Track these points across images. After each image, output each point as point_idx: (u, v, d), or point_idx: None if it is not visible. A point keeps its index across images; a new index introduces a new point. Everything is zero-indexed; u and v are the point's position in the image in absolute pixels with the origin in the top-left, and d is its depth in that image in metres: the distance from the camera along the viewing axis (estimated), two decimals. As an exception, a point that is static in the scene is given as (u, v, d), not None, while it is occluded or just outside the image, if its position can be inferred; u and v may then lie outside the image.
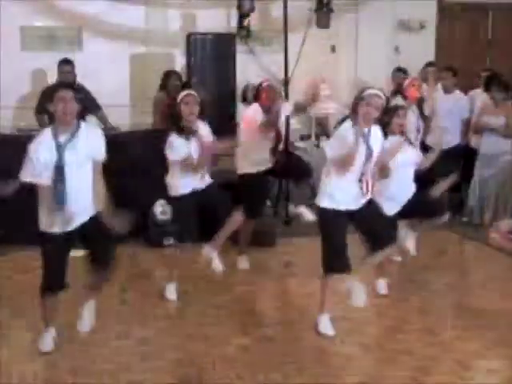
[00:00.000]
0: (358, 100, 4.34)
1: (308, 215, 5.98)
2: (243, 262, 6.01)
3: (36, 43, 8.30)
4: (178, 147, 5.02)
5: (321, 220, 4.55)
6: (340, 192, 4.41)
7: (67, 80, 7.22)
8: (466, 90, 7.96)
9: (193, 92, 5.19)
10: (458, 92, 7.83)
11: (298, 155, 6.73)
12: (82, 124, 4.19)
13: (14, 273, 5.42)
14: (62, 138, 4.07)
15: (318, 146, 8.46)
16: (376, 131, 4.49)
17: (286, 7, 7.33)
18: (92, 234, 4.19)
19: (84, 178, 4.14)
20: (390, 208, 4.98)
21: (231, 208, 5.24)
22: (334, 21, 7.96)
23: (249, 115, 5.91)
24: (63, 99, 4.04)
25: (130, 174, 6.34)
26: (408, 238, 5.35)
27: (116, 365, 4.13)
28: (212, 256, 5.31)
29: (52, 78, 7.40)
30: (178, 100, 5.12)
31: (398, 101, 5.94)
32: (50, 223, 4.11)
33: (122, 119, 7.90)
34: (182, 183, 5.13)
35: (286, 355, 4.28)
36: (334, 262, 4.45)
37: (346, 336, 4.57)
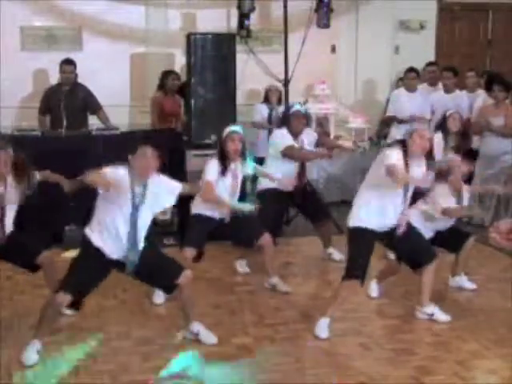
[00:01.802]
0: (410, 133, 4.47)
1: (338, 256, 6.14)
2: (243, 266, 6.01)
3: (36, 43, 8.30)
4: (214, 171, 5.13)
5: (356, 238, 4.56)
6: (377, 213, 4.48)
7: (69, 80, 7.24)
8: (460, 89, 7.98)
9: (239, 129, 5.27)
10: (458, 92, 7.84)
11: (319, 195, 6.56)
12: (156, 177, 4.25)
13: (14, 273, 5.40)
14: (137, 190, 4.16)
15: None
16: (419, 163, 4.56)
17: (286, 7, 7.32)
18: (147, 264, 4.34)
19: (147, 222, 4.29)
20: (427, 232, 5.09)
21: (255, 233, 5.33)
22: (333, 21, 7.94)
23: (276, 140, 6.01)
24: (145, 155, 4.12)
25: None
26: None
27: (116, 365, 4.12)
28: (275, 282, 5.43)
29: (52, 78, 7.41)
30: (224, 136, 5.21)
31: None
32: (107, 246, 4.17)
33: (122, 119, 7.89)
34: (205, 206, 5.18)
35: (286, 355, 4.28)
36: (358, 270, 4.50)
37: (346, 336, 4.57)
